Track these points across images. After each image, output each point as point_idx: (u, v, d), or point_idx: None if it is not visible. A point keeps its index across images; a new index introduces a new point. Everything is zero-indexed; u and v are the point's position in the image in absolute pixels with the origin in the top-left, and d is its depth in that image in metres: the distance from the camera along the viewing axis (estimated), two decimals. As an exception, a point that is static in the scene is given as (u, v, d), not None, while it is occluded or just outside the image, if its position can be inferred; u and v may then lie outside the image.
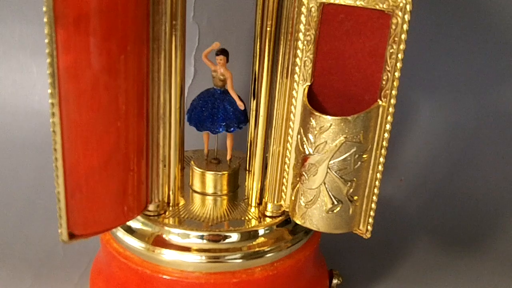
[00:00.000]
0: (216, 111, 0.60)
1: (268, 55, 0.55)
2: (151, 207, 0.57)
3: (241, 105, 0.61)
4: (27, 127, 1.00)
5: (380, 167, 0.51)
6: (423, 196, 0.97)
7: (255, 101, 0.64)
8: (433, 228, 0.89)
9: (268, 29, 0.54)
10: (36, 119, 0.99)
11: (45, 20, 0.41)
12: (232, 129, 0.61)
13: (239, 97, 0.61)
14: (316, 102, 0.52)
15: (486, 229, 0.90)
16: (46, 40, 0.42)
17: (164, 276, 0.55)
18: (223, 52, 0.59)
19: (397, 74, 0.47)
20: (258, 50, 0.61)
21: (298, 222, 0.55)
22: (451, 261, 0.80)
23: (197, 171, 0.63)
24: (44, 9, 0.41)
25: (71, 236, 0.49)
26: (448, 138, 1.03)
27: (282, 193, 0.58)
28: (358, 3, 0.47)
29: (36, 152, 0.96)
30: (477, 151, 1.03)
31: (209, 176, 0.63)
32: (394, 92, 0.47)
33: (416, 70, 1.00)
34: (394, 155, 1.01)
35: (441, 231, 0.88)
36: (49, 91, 0.43)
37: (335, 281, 0.66)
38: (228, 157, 0.65)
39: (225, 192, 0.64)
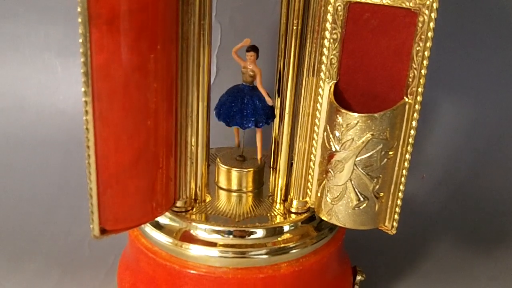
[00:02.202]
0: (245, 107, 0.61)
1: (294, 53, 0.56)
2: (178, 203, 0.58)
3: (269, 101, 0.61)
4: (51, 126, 1.02)
5: (406, 164, 0.51)
6: (445, 193, 0.97)
7: (279, 99, 0.65)
8: (455, 225, 0.89)
9: (294, 27, 0.54)
10: (60, 119, 1.01)
11: (79, 20, 0.42)
12: (261, 124, 0.61)
13: (267, 93, 0.62)
14: (342, 99, 0.53)
15: (509, 227, 0.89)
16: (80, 40, 0.43)
17: (192, 271, 0.56)
18: (253, 48, 0.60)
19: (423, 71, 0.47)
20: (283, 48, 0.61)
21: (324, 218, 0.55)
22: (474, 259, 0.80)
23: (222, 168, 0.64)
24: (79, 9, 0.42)
25: (103, 231, 0.50)
26: (470, 136, 1.03)
27: (308, 190, 0.58)
28: (385, 2, 0.48)
29: (61, 150, 0.98)
30: (499, 148, 1.02)
31: (235, 173, 0.64)
32: (420, 90, 0.48)
33: (437, 67, 0.99)
34: (416, 152, 1.00)
35: (464, 228, 0.88)
36: (83, 89, 0.44)
37: (358, 277, 0.67)
38: (259, 157, 0.65)
39: (250, 189, 0.65)
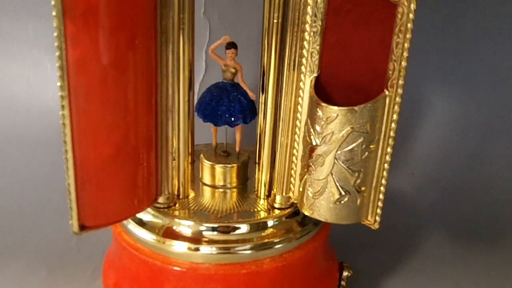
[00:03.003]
0: (232, 104, 0.61)
1: (276, 48, 0.55)
2: (161, 199, 0.58)
3: (253, 96, 0.62)
4: (41, 124, 1.01)
5: (387, 158, 0.50)
6: (435, 189, 0.97)
7: (263, 95, 0.64)
8: (444, 222, 0.89)
9: (275, 21, 0.54)
10: (50, 116, 1.01)
11: (53, 13, 0.42)
12: (248, 120, 0.62)
13: (249, 88, 0.62)
14: (324, 93, 0.52)
15: (498, 224, 0.89)
16: (55, 34, 0.43)
17: (175, 268, 0.56)
18: (234, 45, 0.60)
19: (403, 63, 0.46)
20: (266, 42, 0.61)
21: (306, 213, 0.55)
22: (462, 255, 0.80)
23: (206, 164, 0.64)
24: (53, 2, 0.42)
25: (82, 227, 0.49)
26: (460, 132, 1.03)
27: (291, 185, 0.58)
28: (365, -7, 0.47)
29: (50, 148, 0.97)
30: (490, 145, 1.02)
31: (219, 169, 0.63)
32: (401, 82, 0.47)
33: (428, 63, 0.99)
34: (406, 149, 1.01)
35: (453, 225, 0.88)
36: (58, 84, 0.44)
37: (345, 273, 0.66)
38: (237, 150, 0.65)
39: (234, 184, 0.64)
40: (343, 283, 0.66)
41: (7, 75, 1.02)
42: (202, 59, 0.96)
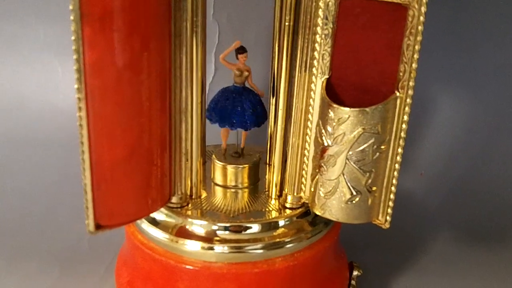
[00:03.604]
0: (255, 107, 0.62)
1: (287, 50, 0.56)
2: (174, 199, 0.59)
3: (262, 94, 0.63)
4: (51, 126, 1.02)
5: (398, 158, 0.51)
6: (443, 189, 0.97)
7: (275, 96, 0.65)
8: (453, 221, 0.89)
9: (286, 24, 0.55)
10: (60, 118, 1.02)
11: (71, 18, 0.43)
12: (266, 116, 0.64)
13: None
14: (334, 94, 0.53)
15: (506, 224, 0.89)
16: (73, 37, 0.43)
17: (187, 266, 0.57)
18: (245, 49, 0.61)
19: (414, 65, 0.47)
20: (277, 45, 0.62)
21: (317, 213, 0.56)
22: (470, 255, 0.81)
23: (218, 164, 0.65)
24: (71, 7, 0.42)
25: (98, 227, 0.50)
26: (468, 133, 1.03)
27: (302, 185, 0.59)
28: (375, -3, 0.48)
29: (61, 150, 0.98)
30: (498, 145, 1.02)
31: (230, 169, 0.64)
32: (411, 83, 0.48)
33: (436, 64, 0.99)
34: (414, 149, 1.01)
35: (461, 225, 0.88)
36: (76, 86, 0.45)
37: (355, 272, 0.67)
38: (242, 146, 0.66)
39: (245, 185, 0.65)
40: (353, 282, 0.67)
41: (18, 77, 1.03)
42: (211, 62, 0.97)
